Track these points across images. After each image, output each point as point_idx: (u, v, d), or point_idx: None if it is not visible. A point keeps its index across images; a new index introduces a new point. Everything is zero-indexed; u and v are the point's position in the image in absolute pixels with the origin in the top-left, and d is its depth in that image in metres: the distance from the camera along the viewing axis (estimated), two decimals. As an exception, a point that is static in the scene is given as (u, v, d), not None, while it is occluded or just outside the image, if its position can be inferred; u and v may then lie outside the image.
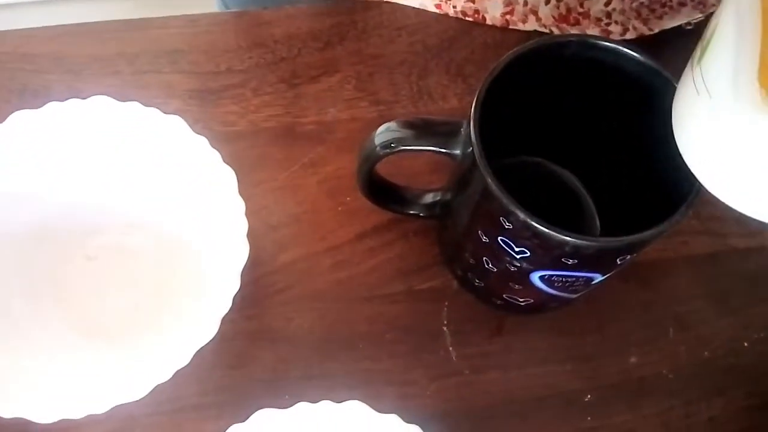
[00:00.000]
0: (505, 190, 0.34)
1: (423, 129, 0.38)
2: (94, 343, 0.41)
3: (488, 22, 0.53)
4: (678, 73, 0.34)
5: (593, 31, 0.53)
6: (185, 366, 0.37)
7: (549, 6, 0.52)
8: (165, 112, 0.42)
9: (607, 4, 0.52)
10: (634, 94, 0.38)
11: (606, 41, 0.37)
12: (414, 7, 0.53)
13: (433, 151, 0.38)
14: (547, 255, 0.35)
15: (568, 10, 0.52)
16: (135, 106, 0.42)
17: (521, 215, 0.34)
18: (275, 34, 0.52)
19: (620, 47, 0.37)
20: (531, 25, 0.53)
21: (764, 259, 0.48)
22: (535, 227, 0.34)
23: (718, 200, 0.50)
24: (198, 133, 0.42)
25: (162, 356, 0.37)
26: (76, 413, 0.36)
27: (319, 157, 0.49)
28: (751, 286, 0.48)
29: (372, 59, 0.52)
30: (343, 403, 0.37)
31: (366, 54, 0.52)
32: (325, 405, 0.37)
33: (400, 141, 0.38)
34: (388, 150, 0.38)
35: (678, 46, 0.54)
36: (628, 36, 0.53)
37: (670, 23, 0.53)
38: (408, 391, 0.44)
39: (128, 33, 0.52)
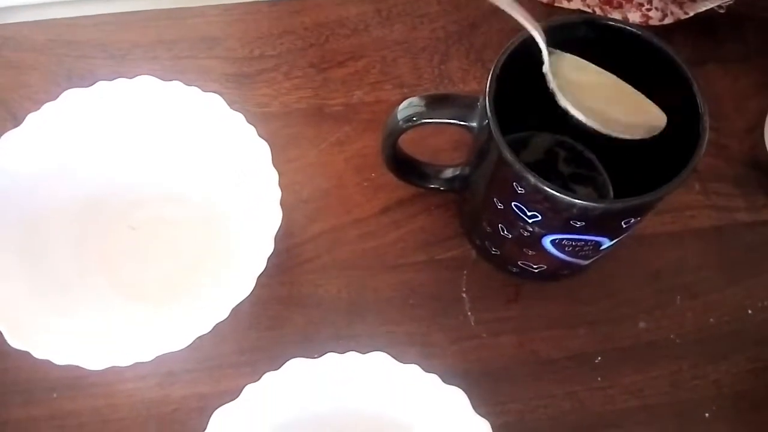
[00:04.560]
0: (518, 158, 0.37)
1: (442, 103, 0.41)
2: (139, 304, 0.44)
3: None
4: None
5: (634, 14, 0.55)
6: (224, 323, 0.40)
7: None
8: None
9: None
10: (641, 69, 0.41)
11: (612, 22, 0.40)
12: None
13: (451, 123, 0.41)
14: (557, 218, 0.38)
15: None
16: (177, 85, 0.45)
17: (532, 179, 0.36)
18: (305, 22, 0.56)
19: (626, 27, 0.40)
20: (576, 4, 0.56)
21: (769, 232, 0.51)
22: (545, 190, 0.36)
23: (724, 177, 0.53)
24: (235, 111, 0.45)
25: (203, 311, 0.40)
26: (124, 361, 0.39)
27: (346, 136, 0.52)
28: (755, 257, 0.50)
29: (396, 45, 0.55)
30: (368, 354, 0.40)
31: (390, 40, 0.55)
32: (352, 355, 0.40)
33: (421, 115, 0.41)
34: (410, 123, 0.41)
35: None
36: (667, 21, 0.55)
37: (703, 6, 0.56)
38: (429, 351, 0.47)
39: (167, 21, 0.55)
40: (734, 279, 0.49)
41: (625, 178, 0.47)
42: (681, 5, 0.56)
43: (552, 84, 0.37)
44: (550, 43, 0.40)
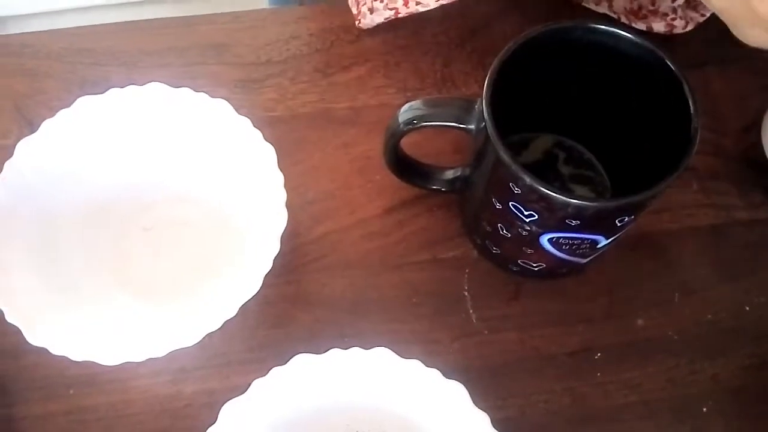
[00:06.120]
0: (515, 159, 0.38)
1: (441, 106, 0.43)
2: (151, 302, 0.46)
3: None
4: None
5: (659, 24, 0.56)
6: (232, 321, 0.42)
7: None
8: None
9: (674, 0, 0.55)
10: (634, 72, 0.42)
11: (608, 26, 0.41)
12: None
13: (450, 126, 0.42)
14: (552, 217, 0.39)
15: (640, 7, 0.56)
16: (186, 91, 0.47)
17: (527, 179, 0.38)
18: (311, 28, 0.57)
19: (620, 31, 0.41)
20: (602, 8, 0.57)
21: (766, 230, 0.52)
22: (540, 190, 0.38)
23: (722, 175, 0.54)
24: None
25: (212, 308, 0.42)
26: (138, 356, 0.41)
27: (351, 139, 0.53)
28: (753, 255, 0.51)
29: (399, 50, 0.56)
30: (371, 350, 0.41)
31: (393, 45, 0.56)
32: (355, 351, 0.41)
33: (421, 118, 0.42)
34: (410, 126, 0.43)
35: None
36: (689, 28, 0.56)
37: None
38: (432, 348, 0.48)
39: (178, 29, 0.57)
40: (732, 276, 0.50)
41: (624, 178, 0.48)
42: (695, 8, 0.57)
43: None
44: (547, 47, 0.42)
